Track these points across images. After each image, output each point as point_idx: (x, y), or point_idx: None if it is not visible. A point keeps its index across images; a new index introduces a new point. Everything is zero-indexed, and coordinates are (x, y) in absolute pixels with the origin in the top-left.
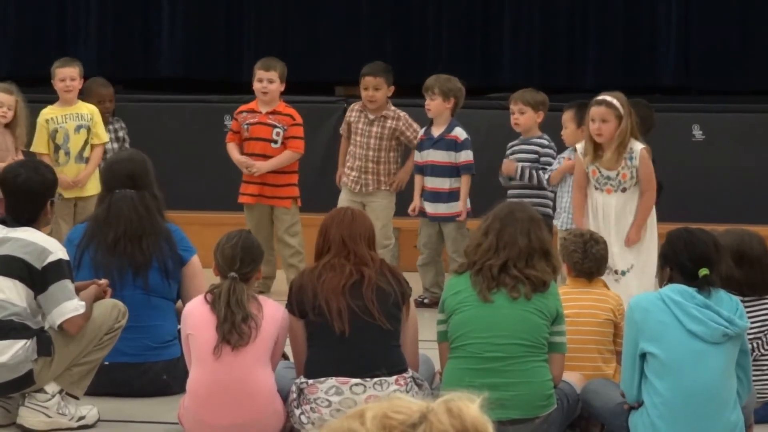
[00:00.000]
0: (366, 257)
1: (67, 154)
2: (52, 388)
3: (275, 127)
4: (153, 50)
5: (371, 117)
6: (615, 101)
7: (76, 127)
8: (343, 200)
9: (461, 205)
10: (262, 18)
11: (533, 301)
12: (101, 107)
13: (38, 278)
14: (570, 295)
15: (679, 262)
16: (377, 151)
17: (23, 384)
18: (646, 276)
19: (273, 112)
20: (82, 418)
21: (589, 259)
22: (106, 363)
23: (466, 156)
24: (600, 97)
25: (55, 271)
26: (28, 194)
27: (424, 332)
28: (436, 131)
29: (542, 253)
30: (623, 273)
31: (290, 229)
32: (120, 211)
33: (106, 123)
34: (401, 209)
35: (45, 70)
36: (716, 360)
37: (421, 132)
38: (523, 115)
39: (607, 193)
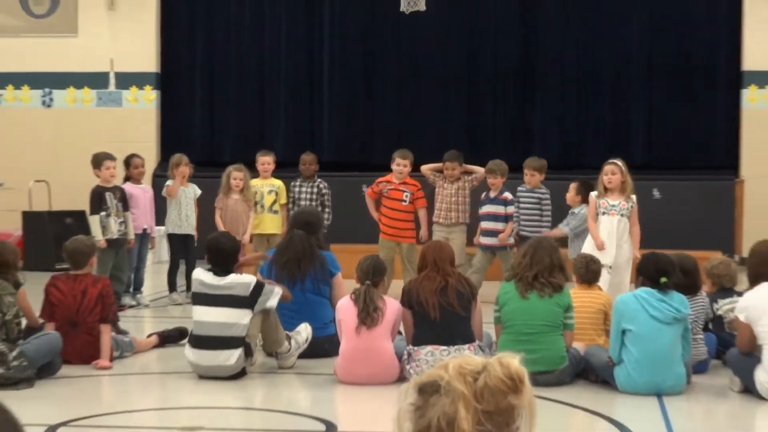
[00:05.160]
0: (449, 271)
1: (262, 206)
2: (285, 346)
3: (405, 192)
4: (317, 141)
5: (450, 181)
6: (618, 161)
7: (268, 191)
8: (436, 233)
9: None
10: (388, 116)
11: (554, 298)
12: (303, 168)
13: (249, 301)
14: (577, 294)
15: (648, 273)
16: (457, 199)
17: (240, 375)
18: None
19: (403, 183)
20: (307, 339)
21: (590, 273)
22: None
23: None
24: (609, 161)
25: (256, 291)
26: (226, 254)
27: (486, 317)
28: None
29: (559, 268)
30: (610, 268)
31: (409, 256)
32: (293, 243)
33: (307, 179)
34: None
35: (250, 156)
36: (669, 334)
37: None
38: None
39: (611, 216)
